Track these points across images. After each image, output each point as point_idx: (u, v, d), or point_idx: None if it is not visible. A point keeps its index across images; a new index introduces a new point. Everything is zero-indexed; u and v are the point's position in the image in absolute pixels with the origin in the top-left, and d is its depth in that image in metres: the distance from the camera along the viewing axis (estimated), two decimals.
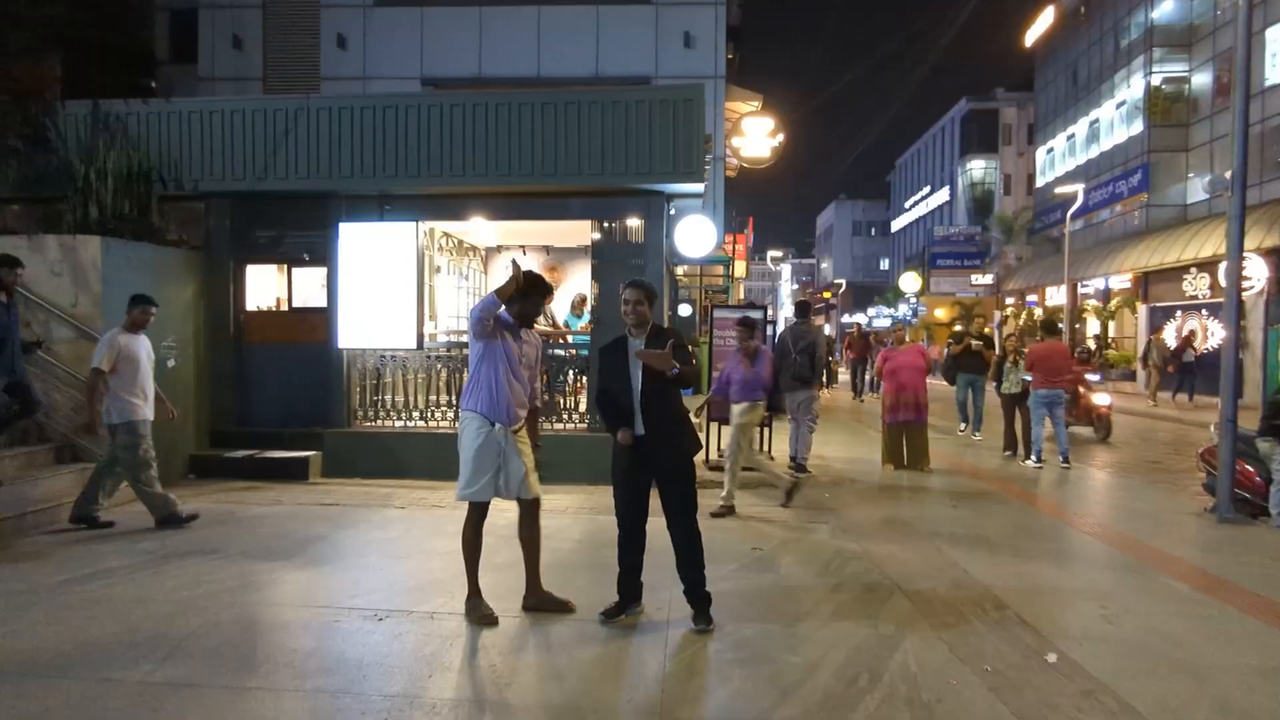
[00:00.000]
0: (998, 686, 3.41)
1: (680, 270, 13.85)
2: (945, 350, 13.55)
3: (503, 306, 4.12)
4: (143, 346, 5.94)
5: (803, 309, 9.23)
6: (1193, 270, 22.94)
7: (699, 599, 4.08)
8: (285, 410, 8.07)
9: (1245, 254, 17.02)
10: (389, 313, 7.91)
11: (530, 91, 8.21)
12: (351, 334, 7.98)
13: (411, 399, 8.22)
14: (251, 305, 8.48)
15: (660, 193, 7.83)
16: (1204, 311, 21.55)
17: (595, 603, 4.37)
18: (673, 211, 8.41)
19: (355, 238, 7.98)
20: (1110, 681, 3.46)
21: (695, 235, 8.85)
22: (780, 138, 15.60)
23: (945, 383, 12.78)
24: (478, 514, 4.26)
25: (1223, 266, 19.18)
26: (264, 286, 8.58)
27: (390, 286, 7.91)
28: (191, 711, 3.16)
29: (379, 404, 8.23)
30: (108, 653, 3.68)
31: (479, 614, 4.13)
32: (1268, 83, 22.62)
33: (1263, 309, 19.08)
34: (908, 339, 10.31)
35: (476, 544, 4.26)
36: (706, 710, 3.29)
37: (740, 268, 18.52)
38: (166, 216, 8.27)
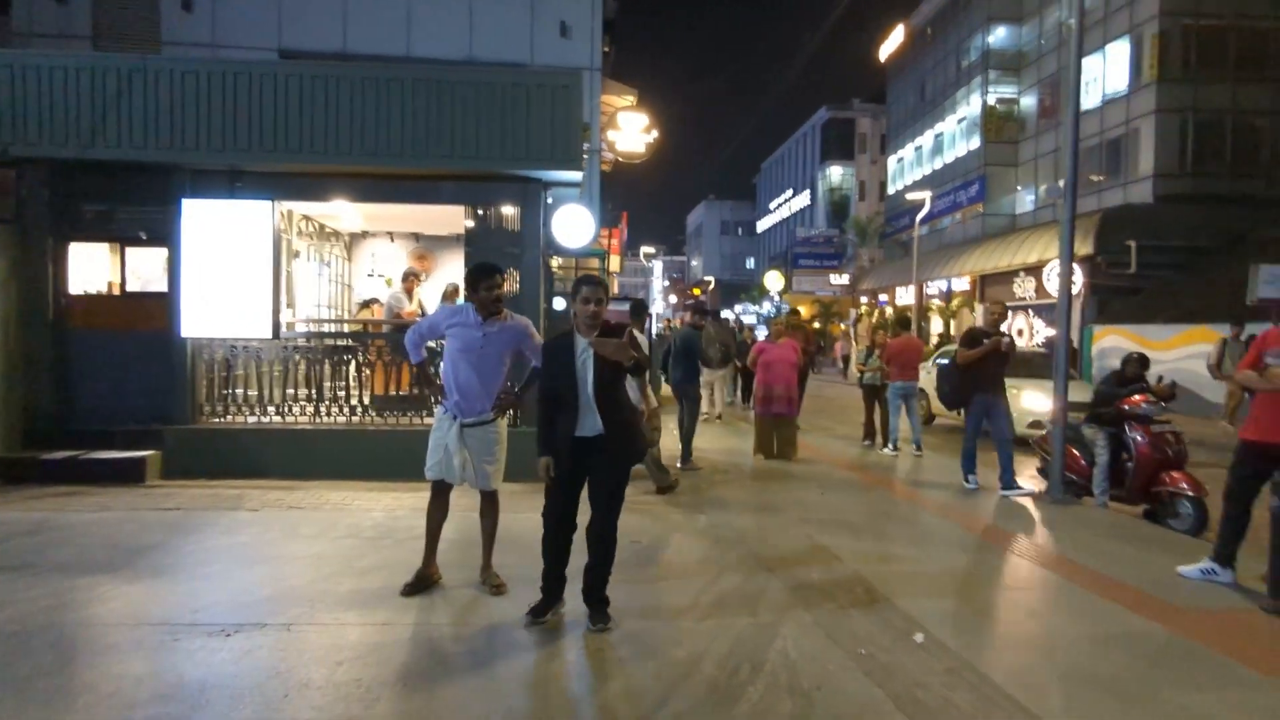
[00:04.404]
0: (872, 670, 3.52)
1: (555, 263, 13.66)
2: (926, 354, 11.45)
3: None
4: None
5: (717, 313, 11.62)
6: (1021, 274, 25.23)
7: (600, 600, 3.97)
8: (117, 406, 7.23)
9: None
10: (241, 299, 7.24)
11: (399, 67, 7.77)
12: (197, 322, 7.25)
13: (266, 393, 7.59)
14: (76, 288, 7.52)
15: (538, 180, 7.62)
16: (1030, 311, 23.73)
17: (469, 600, 4.20)
18: (550, 200, 8.22)
19: (202, 216, 7.24)
20: (972, 658, 3.67)
21: (574, 225, 8.70)
22: (654, 134, 15.73)
23: (945, 409, 8.93)
24: (433, 491, 4.51)
25: (1046, 270, 21.26)
26: (92, 267, 7.64)
27: (243, 271, 7.24)
28: None
29: (229, 398, 7.54)
30: None
31: (413, 580, 4.41)
32: (1082, 108, 25.24)
33: (1079, 310, 21.25)
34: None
35: (432, 518, 4.50)
36: (589, 715, 3.19)
37: (615, 262, 18.53)
38: None
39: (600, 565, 3.96)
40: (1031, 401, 10.97)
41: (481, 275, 4.30)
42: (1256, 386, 4.67)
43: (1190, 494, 6.50)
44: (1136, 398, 6.96)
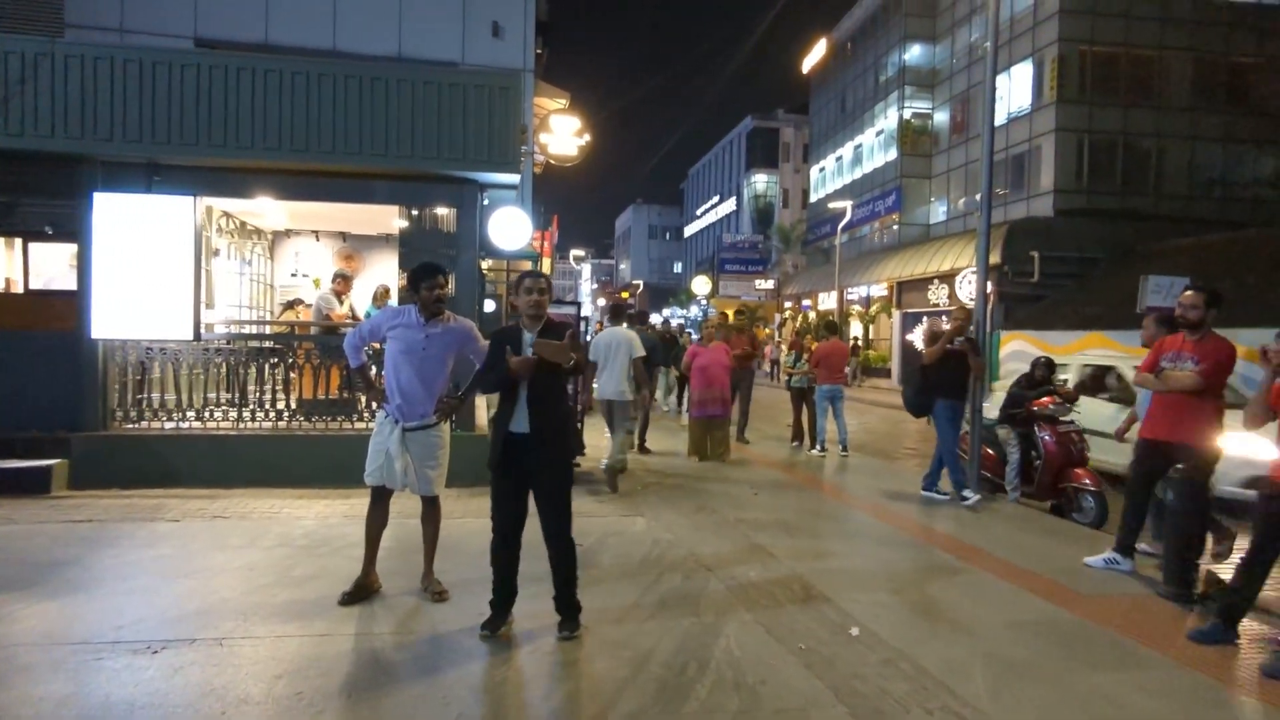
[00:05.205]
0: (812, 663, 3.67)
1: (485, 265, 13.51)
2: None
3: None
4: None
5: (644, 316, 11.88)
6: (935, 281, 26.39)
7: (571, 606, 3.93)
8: (18, 411, 6.76)
9: (974, 268, 19.74)
10: (159, 299, 6.89)
11: (331, 61, 7.57)
12: (110, 322, 6.86)
13: (185, 397, 7.25)
14: None
15: (474, 181, 7.55)
16: (944, 318, 24.81)
17: (410, 608, 4.15)
18: (485, 202, 8.14)
19: (115, 211, 6.86)
20: (904, 647, 3.86)
21: (510, 227, 8.64)
22: (587, 138, 15.74)
23: (911, 416, 7.98)
24: (372, 497, 4.41)
25: (958, 278, 22.28)
26: None
27: (161, 269, 6.89)
28: None
29: (144, 403, 7.17)
30: None
31: (352, 589, 4.32)
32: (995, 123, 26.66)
33: (988, 315, 22.39)
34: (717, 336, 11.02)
35: (372, 525, 4.39)
36: (539, 719, 3.21)
37: (546, 265, 18.47)
38: None
39: (559, 568, 3.90)
40: (1250, 447, 6.40)
41: (424, 275, 4.22)
42: (1153, 388, 5.06)
43: (1092, 489, 6.97)
44: (1045, 399, 7.42)
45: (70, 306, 6.92)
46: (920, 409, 7.64)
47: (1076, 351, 18.69)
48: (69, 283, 7.04)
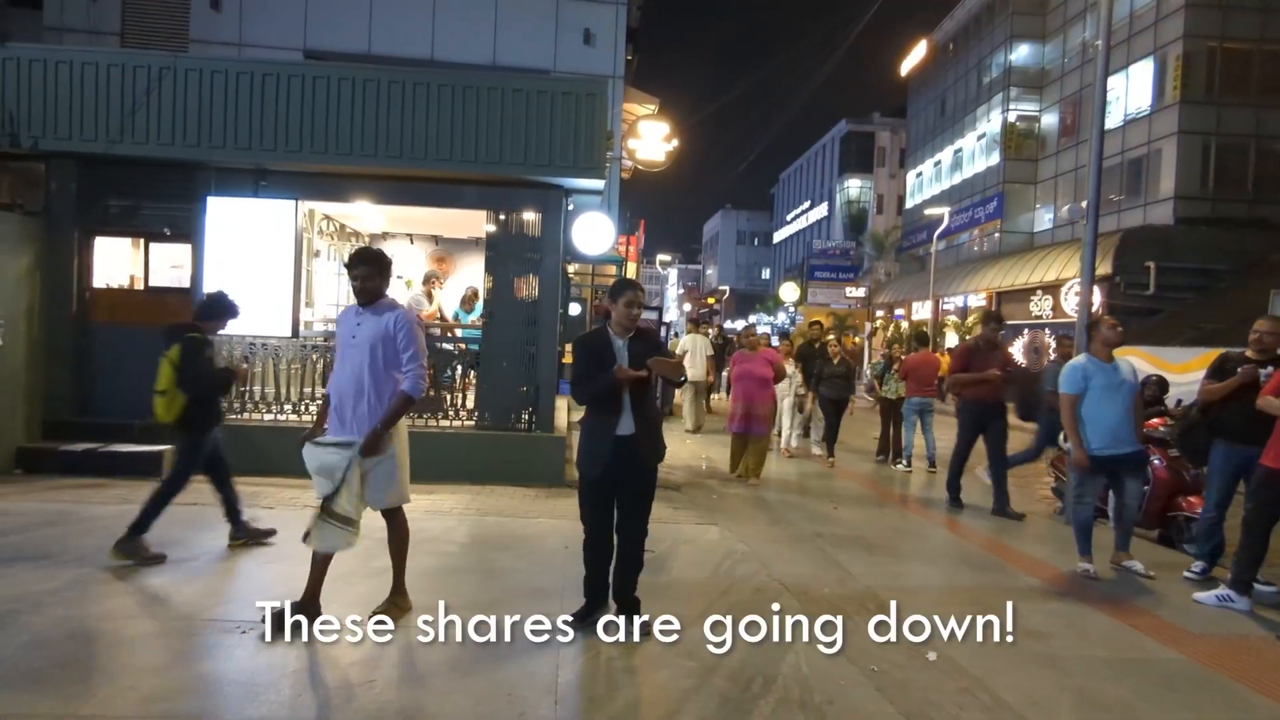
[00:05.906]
0: (884, 686, 3.52)
1: (571, 269, 13.70)
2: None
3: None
4: None
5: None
6: (1038, 292, 25.10)
7: (632, 600, 4.04)
8: (136, 399, 7.24)
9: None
10: (262, 297, 7.30)
11: (426, 71, 7.85)
12: None
13: (283, 391, 7.65)
14: (100, 281, 7.63)
15: (559, 186, 7.67)
16: (1047, 330, 23.56)
17: (482, 606, 4.20)
18: (570, 207, 8.26)
19: (225, 214, 7.33)
20: (984, 676, 3.65)
21: (593, 232, 8.77)
22: (675, 143, 15.77)
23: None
24: None
25: (1064, 289, 21.10)
26: (116, 261, 7.75)
27: (264, 269, 7.33)
28: None
29: (246, 395, 7.61)
30: None
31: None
32: (1105, 127, 25.12)
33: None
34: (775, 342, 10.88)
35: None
36: None
37: (631, 269, 18.61)
38: None
39: (634, 566, 4.02)
40: None
41: (349, 265, 3.96)
42: (1278, 412, 4.62)
43: None
44: (1155, 421, 6.90)
45: (184, 303, 7.38)
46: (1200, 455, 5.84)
47: (1196, 370, 17.38)
48: (184, 280, 7.54)
